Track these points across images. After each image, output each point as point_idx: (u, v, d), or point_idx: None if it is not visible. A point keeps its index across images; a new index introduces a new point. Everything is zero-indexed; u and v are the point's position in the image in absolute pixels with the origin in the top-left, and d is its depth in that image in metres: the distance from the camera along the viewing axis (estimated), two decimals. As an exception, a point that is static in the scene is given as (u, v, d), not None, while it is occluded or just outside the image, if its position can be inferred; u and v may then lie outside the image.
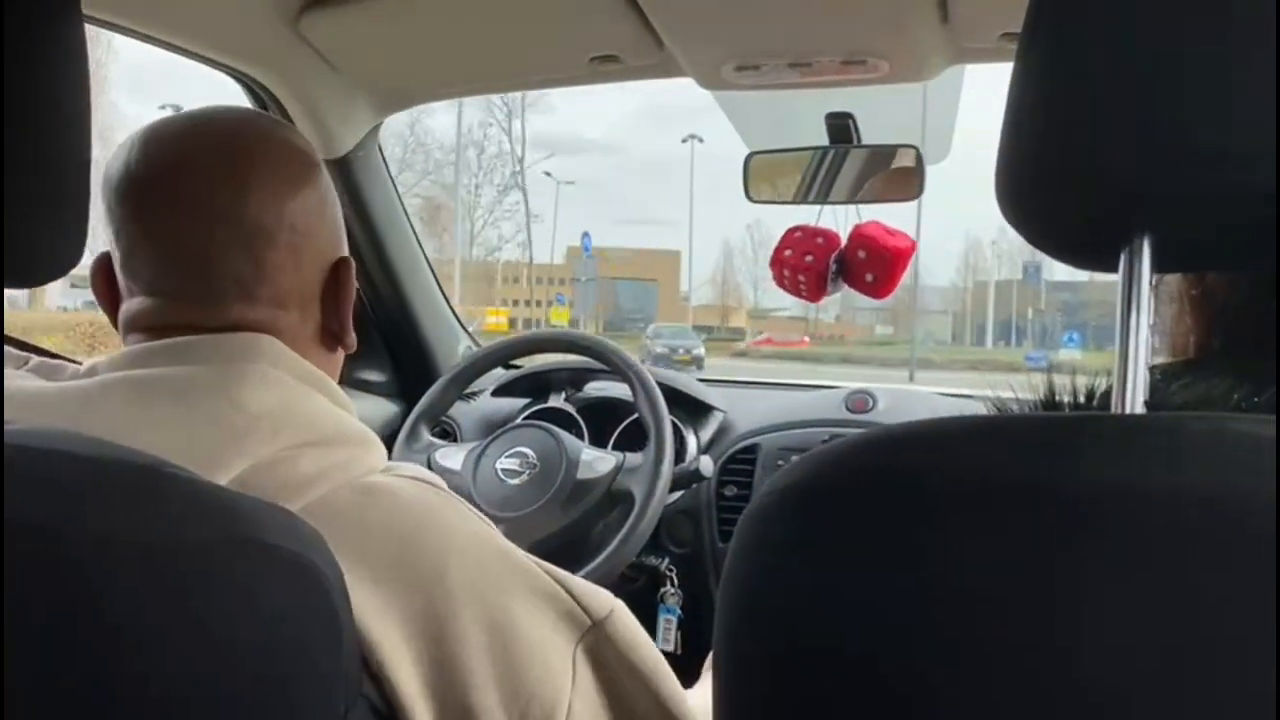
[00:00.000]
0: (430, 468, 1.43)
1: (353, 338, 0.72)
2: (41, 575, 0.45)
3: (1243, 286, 0.53)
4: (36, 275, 0.53)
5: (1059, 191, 0.45)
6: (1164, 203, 0.42)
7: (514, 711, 0.60)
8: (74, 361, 0.66)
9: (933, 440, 0.42)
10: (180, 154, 0.65)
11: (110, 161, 0.67)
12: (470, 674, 0.58)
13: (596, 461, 1.34)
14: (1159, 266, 0.44)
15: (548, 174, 28.03)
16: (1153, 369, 0.46)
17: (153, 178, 0.65)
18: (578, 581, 0.66)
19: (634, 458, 1.34)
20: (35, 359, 0.65)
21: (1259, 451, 0.37)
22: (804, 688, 0.42)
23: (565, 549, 1.31)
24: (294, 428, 0.59)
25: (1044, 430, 0.41)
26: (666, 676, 0.68)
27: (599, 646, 0.65)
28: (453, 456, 1.41)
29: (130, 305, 0.66)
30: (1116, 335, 0.44)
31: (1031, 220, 0.47)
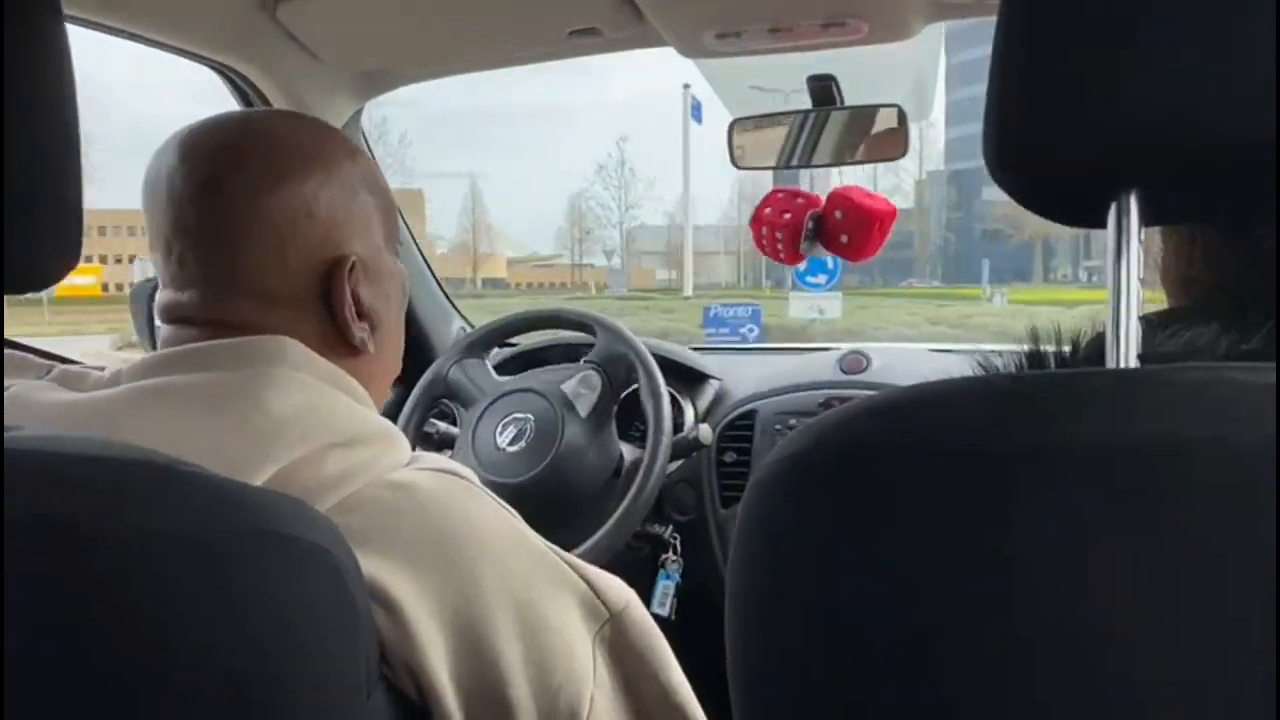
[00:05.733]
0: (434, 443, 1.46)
1: (359, 338, 0.69)
2: (63, 570, 0.46)
3: (1227, 234, 0.54)
4: (31, 281, 0.53)
5: (1046, 148, 0.45)
6: (1151, 157, 0.43)
7: (543, 702, 0.61)
8: (96, 369, 0.67)
9: (932, 405, 0.43)
10: (179, 156, 0.67)
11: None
12: (503, 664, 0.59)
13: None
14: (1147, 220, 0.45)
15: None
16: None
17: (157, 181, 0.68)
18: (596, 572, 0.68)
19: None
20: (59, 367, 0.66)
21: (1255, 399, 0.37)
22: (815, 648, 0.43)
23: (570, 518, 1.33)
24: (319, 429, 0.59)
25: (1041, 390, 0.42)
26: (674, 667, 0.70)
27: (615, 637, 0.66)
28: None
29: (159, 296, 0.70)
30: (1109, 289, 0.45)
31: (1019, 179, 0.47)
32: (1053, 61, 0.44)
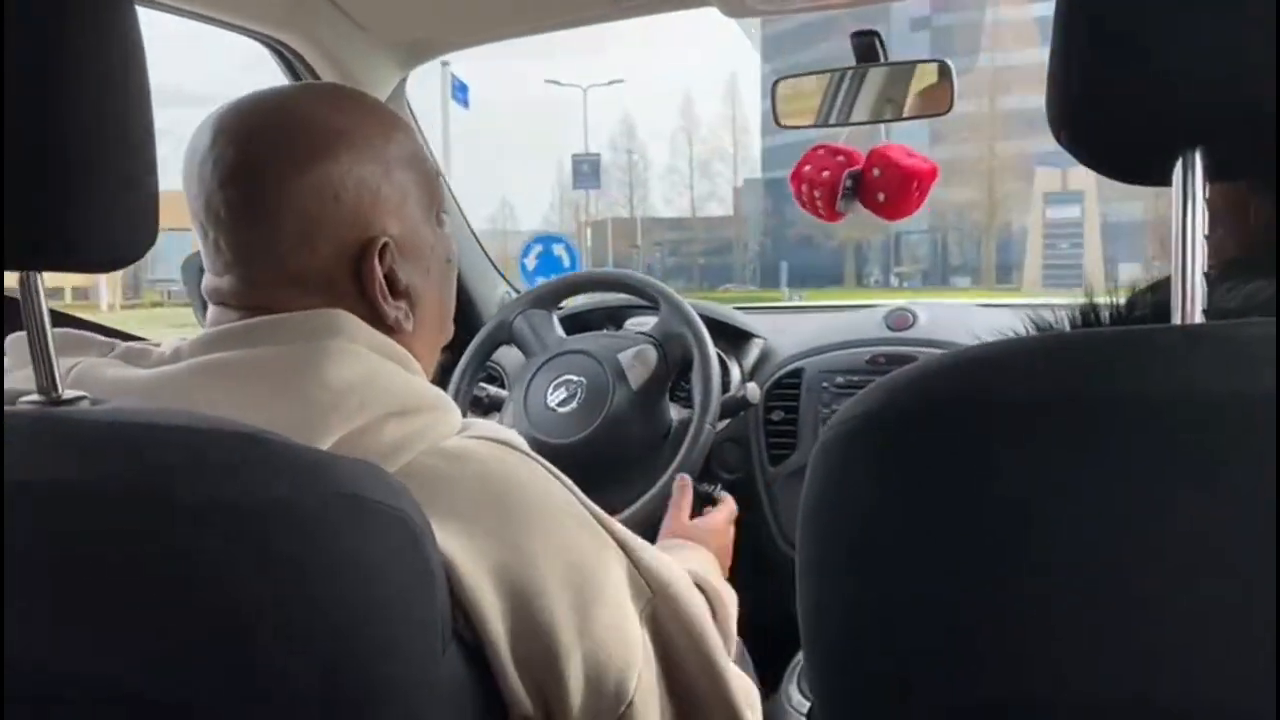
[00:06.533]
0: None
1: (394, 317, 0.69)
2: (155, 537, 0.48)
3: None
4: (110, 260, 0.54)
5: (1110, 107, 0.45)
6: (1215, 114, 0.43)
7: (592, 677, 0.62)
8: (155, 345, 0.68)
9: (1001, 364, 0.44)
10: (210, 139, 0.67)
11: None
12: (558, 630, 0.61)
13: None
14: (1211, 176, 0.45)
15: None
16: None
17: (191, 164, 0.67)
18: (641, 545, 0.69)
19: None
20: (121, 345, 0.67)
21: None
22: (887, 600, 0.44)
23: (618, 478, 1.35)
24: (376, 400, 0.60)
25: (1110, 345, 0.43)
26: (715, 641, 0.71)
27: (659, 612, 0.68)
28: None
29: (204, 280, 0.70)
30: (1172, 246, 0.46)
31: (1082, 138, 0.47)
32: (1117, 18, 0.44)
